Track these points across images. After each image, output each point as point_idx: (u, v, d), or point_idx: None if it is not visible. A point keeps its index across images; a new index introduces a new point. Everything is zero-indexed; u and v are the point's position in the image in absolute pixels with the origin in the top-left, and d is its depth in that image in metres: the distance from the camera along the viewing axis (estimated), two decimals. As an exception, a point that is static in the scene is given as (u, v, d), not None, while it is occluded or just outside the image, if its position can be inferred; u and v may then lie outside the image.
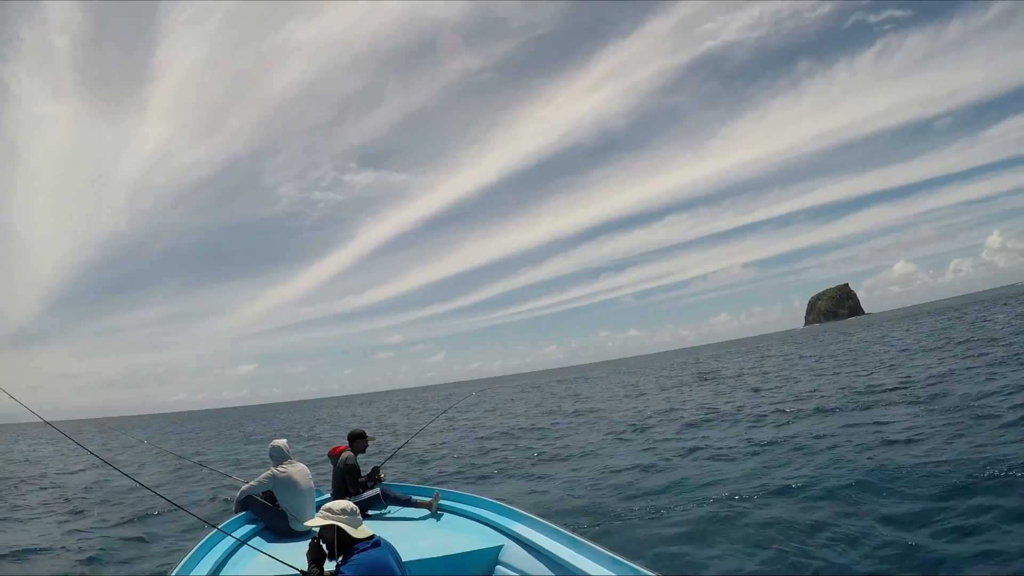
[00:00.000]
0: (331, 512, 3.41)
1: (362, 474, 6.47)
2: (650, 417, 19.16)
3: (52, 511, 13.34)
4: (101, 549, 9.21)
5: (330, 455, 6.60)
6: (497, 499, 5.57)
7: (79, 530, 11.04)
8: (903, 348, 31.53)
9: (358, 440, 6.61)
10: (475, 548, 4.76)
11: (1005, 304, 58.39)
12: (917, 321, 62.41)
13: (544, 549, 4.34)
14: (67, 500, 14.69)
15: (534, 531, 4.66)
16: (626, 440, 15.21)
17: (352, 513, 3.42)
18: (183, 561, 4.47)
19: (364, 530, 3.42)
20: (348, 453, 6.46)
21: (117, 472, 4.79)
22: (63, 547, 9.68)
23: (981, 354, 20.91)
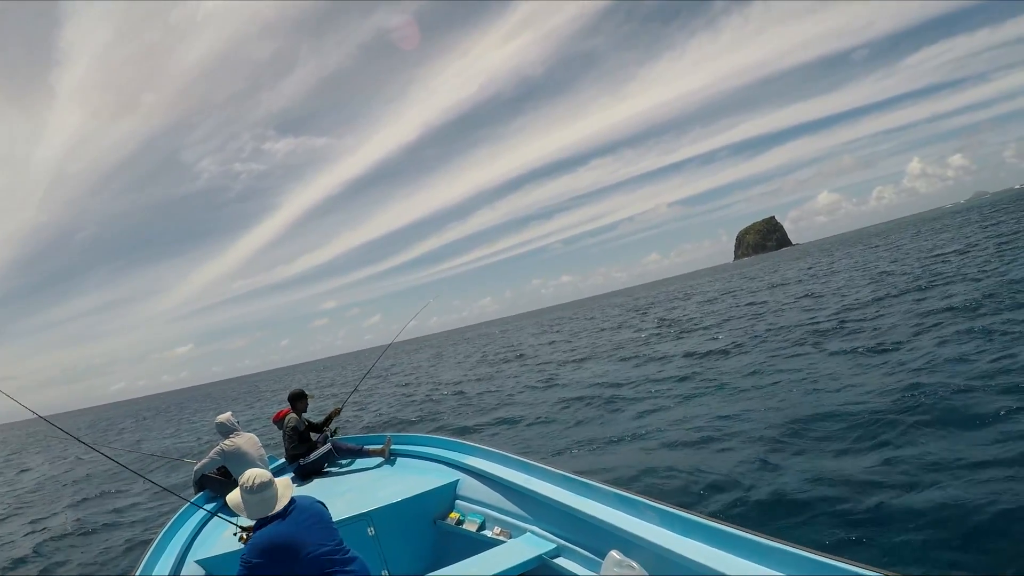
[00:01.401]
0: (231, 502, 3.40)
1: (314, 426, 6.58)
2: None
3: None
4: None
5: (274, 421, 6.60)
6: (449, 436, 5.70)
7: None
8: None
9: (299, 400, 6.62)
10: (433, 487, 4.86)
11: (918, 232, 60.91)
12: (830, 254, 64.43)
13: (499, 477, 4.50)
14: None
15: (488, 461, 4.83)
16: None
17: (251, 491, 3.28)
18: (159, 536, 4.56)
19: (267, 505, 3.30)
20: (291, 415, 6.48)
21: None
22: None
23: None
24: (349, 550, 3.40)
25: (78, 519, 11.44)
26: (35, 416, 4.96)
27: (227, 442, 5.83)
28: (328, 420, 6.74)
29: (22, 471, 23.70)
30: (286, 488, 3.42)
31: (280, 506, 3.32)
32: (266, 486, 3.31)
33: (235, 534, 3.60)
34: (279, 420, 6.52)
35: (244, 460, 5.74)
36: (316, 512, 3.43)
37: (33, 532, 11.18)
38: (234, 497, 3.39)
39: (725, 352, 14.82)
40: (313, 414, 7.04)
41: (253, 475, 3.32)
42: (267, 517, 3.29)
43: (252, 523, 3.50)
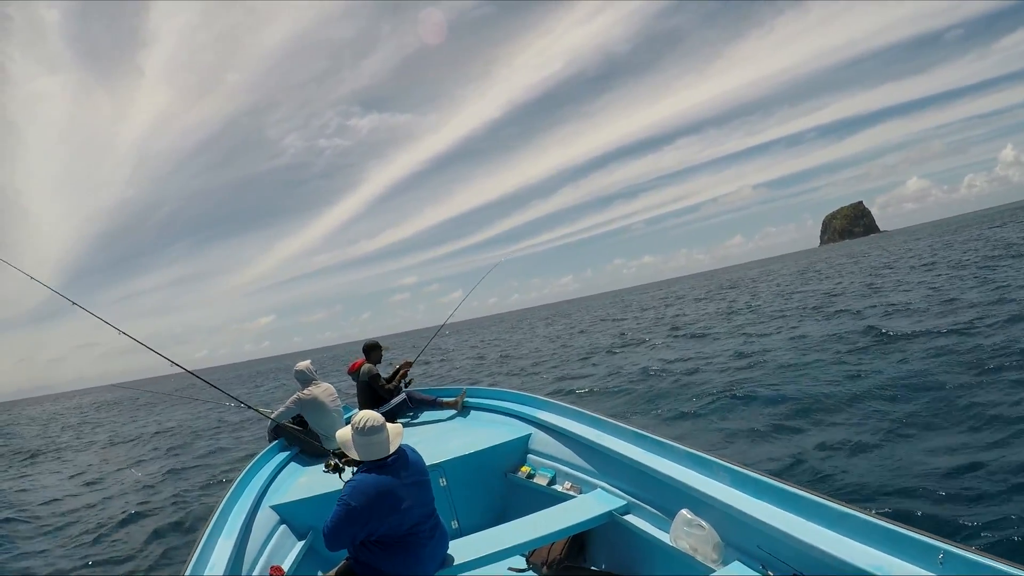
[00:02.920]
0: (340, 438, 3.39)
1: (384, 379, 6.63)
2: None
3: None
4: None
5: (350, 372, 6.72)
6: (522, 391, 5.67)
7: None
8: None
9: (373, 351, 6.69)
10: (505, 440, 4.88)
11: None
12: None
13: (570, 432, 4.48)
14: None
15: (560, 416, 4.80)
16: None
17: (364, 432, 3.24)
18: (231, 489, 4.64)
19: (377, 449, 3.26)
20: (367, 365, 6.57)
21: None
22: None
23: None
24: (439, 520, 3.40)
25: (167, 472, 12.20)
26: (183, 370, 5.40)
27: (304, 391, 5.92)
28: (396, 374, 6.77)
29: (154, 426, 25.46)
30: (397, 435, 3.37)
31: (392, 449, 3.29)
32: (377, 430, 3.27)
33: (327, 464, 3.62)
34: (355, 371, 6.61)
35: (321, 410, 5.84)
36: (421, 470, 3.41)
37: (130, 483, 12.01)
38: (344, 435, 3.37)
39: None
40: (385, 367, 7.10)
41: (365, 417, 3.28)
42: (373, 462, 3.26)
43: (339, 452, 3.53)
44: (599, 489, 3.99)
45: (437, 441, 5.26)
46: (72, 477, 13.59)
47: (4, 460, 19.19)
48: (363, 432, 3.25)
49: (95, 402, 60.46)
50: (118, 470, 13.51)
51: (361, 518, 3.11)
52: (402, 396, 6.32)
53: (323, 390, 5.99)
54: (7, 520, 9.80)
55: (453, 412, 6.08)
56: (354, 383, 6.73)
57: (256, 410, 6.24)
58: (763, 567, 2.77)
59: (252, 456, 5.43)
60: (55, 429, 31.10)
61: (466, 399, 6.09)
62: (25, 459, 18.80)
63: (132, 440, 19.05)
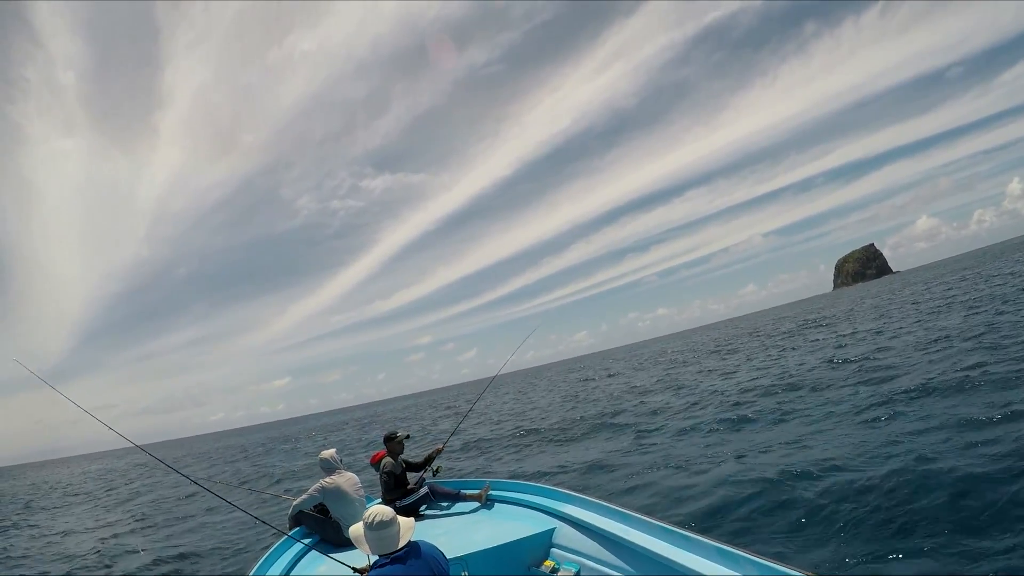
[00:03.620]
0: (354, 534, 3.45)
1: (412, 466, 6.62)
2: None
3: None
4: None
5: (372, 463, 6.68)
6: (548, 484, 5.61)
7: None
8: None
9: (390, 442, 6.63)
10: (529, 534, 4.81)
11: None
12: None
13: (596, 527, 4.42)
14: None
15: (585, 510, 4.74)
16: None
17: (374, 527, 3.30)
18: (254, 569, 4.65)
19: (388, 543, 3.30)
20: (387, 459, 6.52)
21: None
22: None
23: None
24: None
25: (173, 548, 11.96)
26: (133, 445, 5.05)
27: (328, 479, 5.96)
28: (429, 460, 6.73)
29: (121, 498, 25.09)
30: (408, 529, 3.42)
31: (401, 543, 3.32)
32: (388, 524, 3.33)
33: (356, 572, 3.64)
34: (376, 463, 6.58)
35: (344, 499, 5.86)
36: (437, 563, 3.42)
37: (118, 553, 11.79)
38: (356, 531, 3.44)
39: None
40: (412, 452, 7.10)
41: (376, 512, 3.34)
42: (387, 556, 3.29)
43: (364, 566, 3.57)
44: None
45: (460, 534, 5.19)
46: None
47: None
48: (373, 527, 3.31)
49: (107, 468, 59.98)
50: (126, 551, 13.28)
51: None
52: (424, 490, 6.28)
53: (346, 479, 6.03)
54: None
55: (477, 504, 6.02)
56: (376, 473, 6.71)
57: (278, 496, 6.22)
58: None
59: (271, 545, 5.41)
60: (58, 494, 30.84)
61: (490, 492, 6.04)
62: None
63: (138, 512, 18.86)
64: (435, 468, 6.68)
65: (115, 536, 14.41)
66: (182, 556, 10.92)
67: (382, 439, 6.79)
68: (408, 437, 6.81)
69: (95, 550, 12.70)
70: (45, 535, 16.52)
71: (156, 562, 10.71)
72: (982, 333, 15.95)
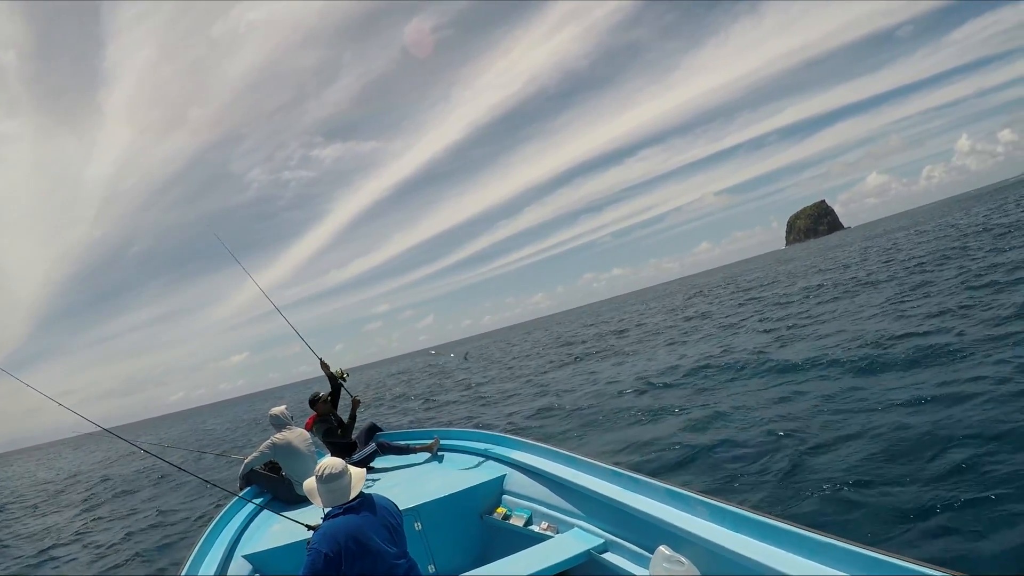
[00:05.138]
0: (307, 488, 3.44)
1: (344, 425, 6.59)
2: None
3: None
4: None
5: (307, 430, 6.55)
6: (496, 432, 5.66)
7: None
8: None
9: (315, 404, 6.62)
10: (479, 482, 4.84)
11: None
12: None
13: (546, 472, 4.44)
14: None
15: (535, 456, 4.78)
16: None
17: (326, 479, 3.32)
18: (206, 532, 4.59)
19: (340, 494, 3.32)
20: (317, 423, 6.50)
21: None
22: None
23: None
24: (413, 563, 3.38)
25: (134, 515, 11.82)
26: (98, 428, 4.83)
27: (279, 436, 5.84)
28: (352, 418, 6.67)
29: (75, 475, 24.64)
30: (359, 479, 3.44)
31: (352, 494, 3.33)
32: (339, 476, 3.34)
33: (308, 529, 3.60)
34: (310, 429, 6.45)
35: (295, 455, 5.77)
36: (390, 513, 3.43)
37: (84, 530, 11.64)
38: (310, 484, 3.43)
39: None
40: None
41: (326, 465, 3.36)
42: (339, 508, 3.29)
43: (315, 522, 3.53)
44: (576, 528, 3.95)
45: (411, 485, 5.19)
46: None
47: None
48: (323, 480, 3.33)
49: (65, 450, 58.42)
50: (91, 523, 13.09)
51: (334, 563, 3.10)
52: (372, 446, 6.24)
53: (297, 435, 5.92)
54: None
55: (427, 456, 6.01)
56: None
57: (226, 456, 6.09)
58: None
59: (223, 504, 5.33)
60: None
61: (440, 443, 6.04)
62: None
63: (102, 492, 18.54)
64: (373, 425, 6.70)
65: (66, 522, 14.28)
66: (131, 534, 10.82)
67: (308, 403, 6.69)
68: (343, 381, 6.84)
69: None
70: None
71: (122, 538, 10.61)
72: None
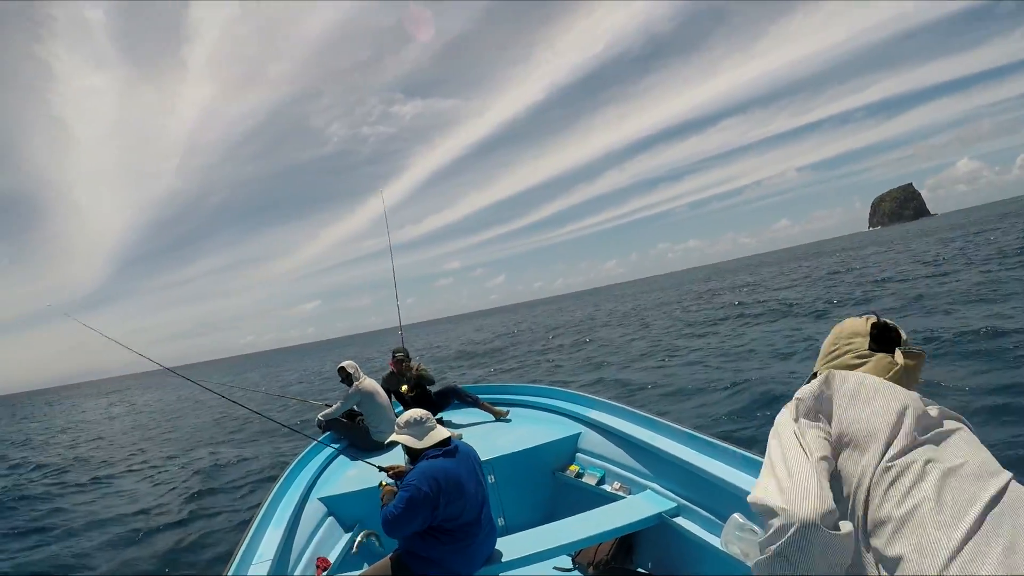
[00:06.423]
0: (397, 427, 3.48)
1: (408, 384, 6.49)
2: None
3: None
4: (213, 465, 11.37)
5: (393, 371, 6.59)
6: (573, 390, 5.62)
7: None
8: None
9: (402, 363, 6.51)
10: (553, 439, 4.84)
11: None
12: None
13: (621, 431, 4.41)
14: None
15: (610, 415, 4.73)
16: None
17: (417, 423, 3.40)
18: (284, 475, 4.75)
19: (434, 437, 3.38)
20: (392, 377, 6.48)
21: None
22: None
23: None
24: (490, 514, 3.44)
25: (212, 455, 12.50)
26: (161, 367, 5.05)
27: (362, 384, 6.03)
28: (419, 385, 6.48)
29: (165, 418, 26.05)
30: (445, 429, 3.52)
31: (444, 436, 3.40)
32: (429, 419, 3.44)
33: (381, 471, 3.71)
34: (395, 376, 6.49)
35: (372, 402, 5.96)
36: (478, 462, 3.50)
37: (172, 469, 12.37)
38: (399, 434, 3.46)
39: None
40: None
41: (412, 413, 3.45)
42: (438, 451, 3.34)
43: (390, 465, 3.62)
44: (649, 490, 3.92)
45: (485, 439, 5.22)
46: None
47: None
48: (414, 424, 3.41)
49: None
50: (170, 457, 13.90)
51: (429, 503, 3.13)
52: (446, 388, 6.31)
53: (373, 384, 6.13)
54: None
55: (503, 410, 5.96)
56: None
57: (309, 402, 6.27)
58: None
59: (302, 449, 5.52)
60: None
61: (515, 396, 6.03)
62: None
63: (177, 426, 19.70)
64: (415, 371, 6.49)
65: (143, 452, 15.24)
66: (216, 466, 11.45)
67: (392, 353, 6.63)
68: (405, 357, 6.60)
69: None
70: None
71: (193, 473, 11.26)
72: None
